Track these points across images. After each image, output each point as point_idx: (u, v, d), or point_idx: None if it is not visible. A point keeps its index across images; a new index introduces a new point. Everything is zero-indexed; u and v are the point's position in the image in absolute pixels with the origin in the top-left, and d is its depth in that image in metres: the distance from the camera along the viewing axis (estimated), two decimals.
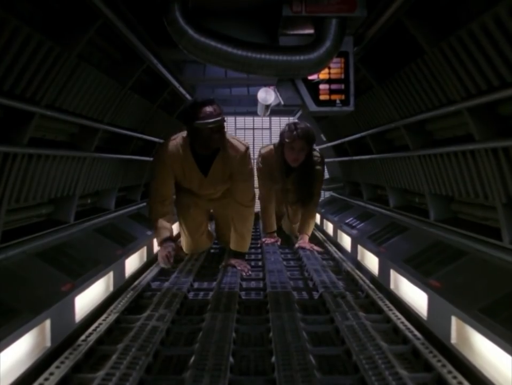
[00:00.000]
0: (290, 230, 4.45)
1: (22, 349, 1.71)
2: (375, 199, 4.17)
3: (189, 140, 2.92)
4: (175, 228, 3.75)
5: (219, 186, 3.19)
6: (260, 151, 4.06)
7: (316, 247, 3.75)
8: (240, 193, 3.13)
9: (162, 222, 2.99)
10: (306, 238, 3.87)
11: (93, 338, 1.97)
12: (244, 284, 2.90)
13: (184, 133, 2.95)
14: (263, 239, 4.07)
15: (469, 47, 1.82)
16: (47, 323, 1.83)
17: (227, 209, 3.34)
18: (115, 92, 2.73)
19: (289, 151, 3.74)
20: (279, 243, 4.02)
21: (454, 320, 1.85)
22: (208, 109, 2.79)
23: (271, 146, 3.99)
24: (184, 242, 3.53)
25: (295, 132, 3.66)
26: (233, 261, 3.20)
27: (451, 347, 1.85)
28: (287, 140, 3.69)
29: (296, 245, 3.79)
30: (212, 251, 3.82)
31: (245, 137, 7.18)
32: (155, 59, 2.84)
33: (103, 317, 2.23)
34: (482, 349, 1.72)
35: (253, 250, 3.98)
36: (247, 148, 3.08)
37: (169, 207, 3.04)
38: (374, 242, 3.15)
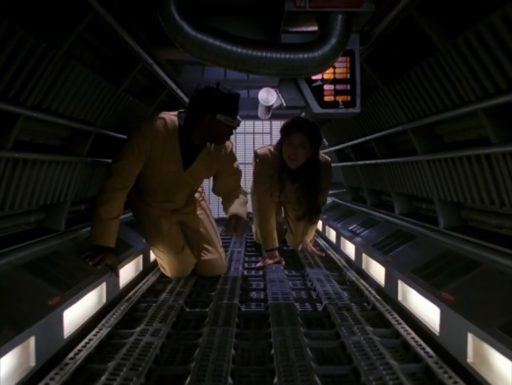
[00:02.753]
0: (293, 244, 4.04)
1: (3, 370, 1.57)
2: (379, 205, 4.04)
3: (183, 126, 2.67)
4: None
5: (192, 184, 3.00)
6: (255, 153, 3.61)
7: (316, 252, 3.61)
8: (230, 188, 3.04)
9: (113, 223, 2.55)
10: (306, 241, 3.66)
11: (82, 355, 1.85)
12: (244, 295, 2.77)
13: (171, 115, 2.69)
14: (263, 260, 3.54)
15: (488, 41, 1.68)
16: (32, 340, 1.68)
17: (197, 223, 3.15)
18: (109, 93, 2.60)
19: (287, 147, 3.30)
20: (283, 263, 3.49)
21: (470, 337, 1.71)
22: (237, 106, 2.60)
23: (269, 147, 3.58)
24: (165, 265, 3.05)
25: (295, 124, 3.27)
26: (235, 219, 2.93)
27: (467, 366, 1.71)
28: (284, 133, 3.32)
29: (299, 248, 3.61)
30: None
31: (245, 142, 7.07)
32: (150, 59, 2.71)
33: (94, 332, 2.11)
34: (503, 369, 1.58)
35: (253, 258, 3.87)
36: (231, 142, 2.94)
37: (123, 200, 2.61)
38: (379, 250, 3.02)
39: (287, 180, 3.52)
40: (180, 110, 2.76)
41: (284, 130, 3.34)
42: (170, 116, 2.70)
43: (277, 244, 3.60)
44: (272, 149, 3.54)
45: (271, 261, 3.46)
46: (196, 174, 2.88)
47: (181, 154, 2.72)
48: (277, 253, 3.57)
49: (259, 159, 3.54)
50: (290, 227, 3.95)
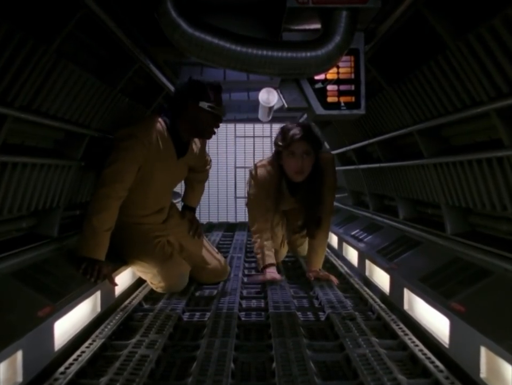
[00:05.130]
0: (295, 252, 3.80)
1: None
2: (382, 209, 3.94)
3: (170, 123, 2.68)
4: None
5: (181, 178, 3.08)
6: (251, 172, 3.23)
7: (332, 278, 3.06)
8: (202, 171, 3.18)
9: (106, 235, 2.45)
10: (316, 270, 3.12)
11: (73, 369, 1.75)
12: (244, 304, 2.69)
13: (157, 116, 2.68)
14: (261, 275, 3.16)
15: (503, 37, 1.58)
16: (19, 354, 1.58)
17: (185, 235, 3.05)
18: (103, 94, 2.50)
19: (289, 159, 2.95)
20: (282, 279, 3.12)
21: (483, 350, 1.61)
22: (220, 95, 2.67)
23: (266, 162, 3.18)
24: (154, 279, 2.81)
25: (292, 132, 2.91)
26: (189, 216, 3.15)
27: (480, 382, 1.61)
28: (281, 144, 2.95)
29: (311, 277, 3.09)
30: None
31: (245, 145, 6.99)
32: (147, 59, 2.63)
33: (87, 343, 2.01)
34: None
35: (253, 264, 3.77)
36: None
37: (117, 211, 2.51)
38: (384, 257, 2.93)
39: (286, 193, 3.19)
40: (163, 110, 2.77)
41: (281, 142, 2.98)
42: (157, 117, 2.69)
43: (274, 260, 3.19)
44: (270, 168, 3.16)
45: (268, 276, 3.07)
46: (182, 167, 2.91)
47: (174, 148, 2.75)
48: (275, 268, 3.17)
49: (257, 180, 3.18)
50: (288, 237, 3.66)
